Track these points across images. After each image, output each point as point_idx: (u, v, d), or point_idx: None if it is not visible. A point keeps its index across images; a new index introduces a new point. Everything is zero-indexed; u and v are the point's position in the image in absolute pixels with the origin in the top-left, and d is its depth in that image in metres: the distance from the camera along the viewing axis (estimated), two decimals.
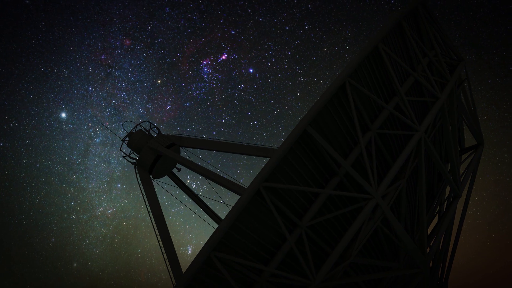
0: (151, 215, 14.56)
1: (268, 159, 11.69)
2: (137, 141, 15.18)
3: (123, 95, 37.47)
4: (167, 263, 13.62)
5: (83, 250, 38.16)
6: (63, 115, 36.46)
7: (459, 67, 12.78)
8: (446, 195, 15.49)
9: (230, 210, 8.90)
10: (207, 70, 37.76)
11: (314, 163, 10.03)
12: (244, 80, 37.76)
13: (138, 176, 15.37)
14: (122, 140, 16.01)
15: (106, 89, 37.08)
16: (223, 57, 37.30)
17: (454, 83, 12.19)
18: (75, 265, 38.04)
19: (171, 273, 13.40)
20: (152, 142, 14.82)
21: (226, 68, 37.75)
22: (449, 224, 12.95)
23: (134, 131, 15.63)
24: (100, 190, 38.53)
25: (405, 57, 12.03)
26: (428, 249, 12.97)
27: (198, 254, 9.06)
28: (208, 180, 14.88)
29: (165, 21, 36.41)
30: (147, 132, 15.64)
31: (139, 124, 15.98)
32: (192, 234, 38.98)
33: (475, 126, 14.23)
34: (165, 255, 13.75)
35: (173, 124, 38.79)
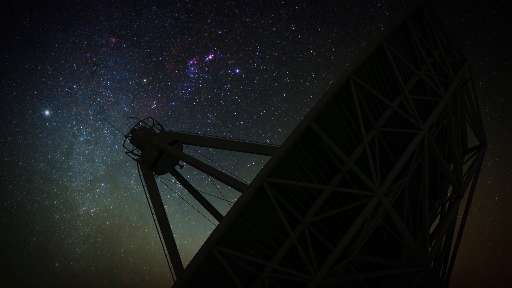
0: (153, 212, 14.60)
1: (270, 157, 11.71)
2: (140, 137, 15.21)
3: (108, 93, 37.31)
4: (169, 259, 13.64)
5: (65, 249, 37.90)
6: (47, 112, 36.20)
7: (463, 67, 12.80)
8: (448, 195, 15.50)
9: (233, 205, 8.91)
10: (193, 70, 37.74)
11: (317, 160, 10.05)
12: (230, 80, 37.80)
13: (141, 173, 15.41)
14: (125, 136, 16.06)
15: (91, 87, 36.90)
16: (210, 57, 37.32)
17: (458, 83, 12.21)
18: (57, 264, 37.79)
19: (172, 269, 13.42)
20: (155, 138, 14.86)
21: (212, 68, 37.76)
22: (451, 224, 12.94)
23: (137, 128, 15.68)
24: (83, 189, 38.29)
25: (409, 56, 12.05)
26: (430, 249, 12.96)
27: (200, 248, 9.08)
28: (210, 177, 14.93)
29: (151, 19, 36.31)
30: (150, 129, 15.68)
31: (142, 120, 16.03)
32: (176, 234, 38.80)
33: (478, 127, 14.24)
34: (166, 251, 13.77)
35: None
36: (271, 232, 9.97)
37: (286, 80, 36.91)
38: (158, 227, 14.23)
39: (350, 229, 9.73)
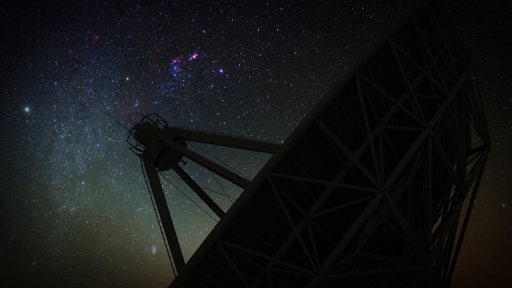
0: (156, 207, 14.66)
1: (272, 155, 11.73)
2: (144, 133, 15.26)
3: (90, 91, 37.03)
4: (170, 255, 13.67)
5: (43, 248, 37.43)
6: (27, 109, 35.82)
7: (469, 67, 12.81)
8: (451, 196, 15.50)
9: (238, 198, 8.92)
10: (176, 69, 37.64)
11: (321, 156, 10.06)
12: (214, 80, 37.71)
13: (144, 168, 15.46)
14: (129, 131, 16.11)
15: (72, 84, 36.57)
16: (193, 57, 37.26)
17: (463, 83, 12.21)
18: (34, 263, 37.33)
19: (173, 265, 13.46)
20: (159, 134, 14.91)
21: (196, 68, 37.67)
22: (453, 224, 12.94)
23: (141, 123, 15.73)
24: (63, 187, 37.88)
25: (415, 55, 12.07)
26: (432, 249, 12.96)
27: (204, 241, 9.09)
28: (213, 174, 14.98)
29: (135, 17, 36.12)
30: (154, 125, 15.72)
31: (147, 116, 16.08)
32: (157, 234, 38.38)
33: (482, 127, 14.25)
34: (168, 247, 13.81)
35: None
36: (274, 227, 9.98)
37: (270, 81, 36.97)
38: (161, 223, 14.29)
39: (353, 225, 9.73)
